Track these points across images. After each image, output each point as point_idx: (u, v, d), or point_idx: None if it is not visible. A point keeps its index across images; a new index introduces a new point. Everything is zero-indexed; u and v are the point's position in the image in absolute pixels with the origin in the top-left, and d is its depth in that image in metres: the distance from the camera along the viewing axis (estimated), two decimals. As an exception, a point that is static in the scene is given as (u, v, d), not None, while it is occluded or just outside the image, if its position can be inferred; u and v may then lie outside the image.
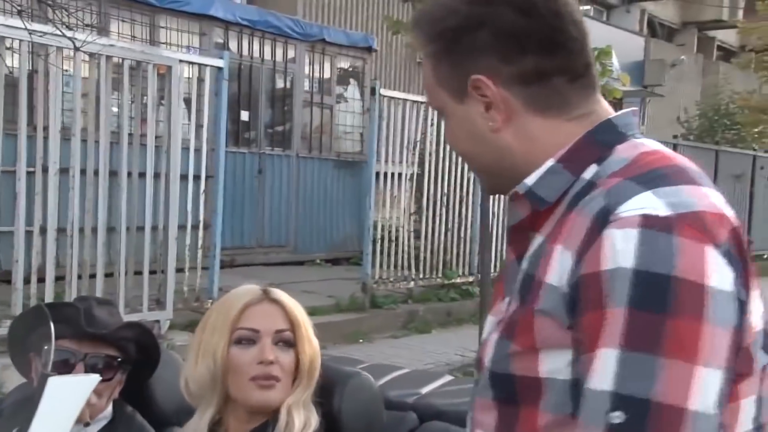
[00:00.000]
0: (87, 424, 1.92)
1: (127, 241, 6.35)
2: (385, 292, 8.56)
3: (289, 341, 1.75)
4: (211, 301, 6.76)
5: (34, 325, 1.97)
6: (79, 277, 6.09)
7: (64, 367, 1.91)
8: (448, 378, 2.86)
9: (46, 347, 1.94)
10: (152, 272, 6.54)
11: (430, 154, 8.95)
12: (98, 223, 6.13)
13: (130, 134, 6.46)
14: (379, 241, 8.52)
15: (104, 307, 2.02)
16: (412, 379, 2.80)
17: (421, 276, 8.93)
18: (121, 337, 1.97)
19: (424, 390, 2.64)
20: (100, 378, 1.20)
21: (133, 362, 2.04)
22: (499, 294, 1.22)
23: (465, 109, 1.16)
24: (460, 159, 9.39)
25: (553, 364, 1.05)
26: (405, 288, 8.79)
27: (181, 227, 6.76)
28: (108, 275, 6.24)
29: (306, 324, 1.79)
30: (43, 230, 5.91)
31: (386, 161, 8.58)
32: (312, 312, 7.26)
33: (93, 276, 6.13)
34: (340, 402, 1.79)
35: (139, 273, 6.41)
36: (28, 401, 2.10)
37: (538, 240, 1.12)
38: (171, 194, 6.52)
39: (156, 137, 6.51)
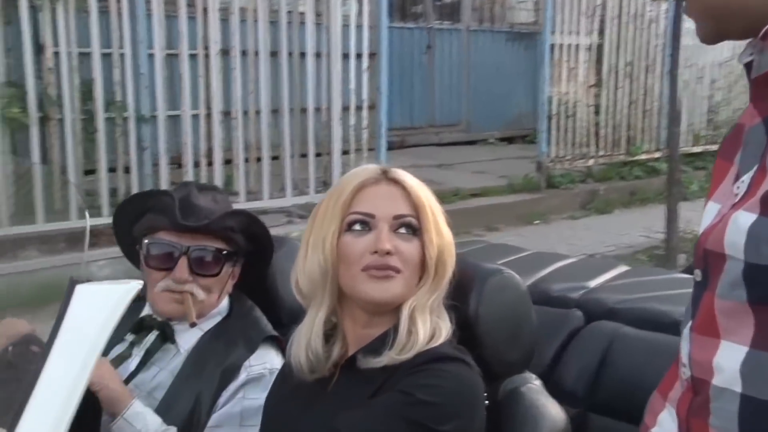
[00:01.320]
0: (193, 325, 1.72)
1: (291, 123, 6.24)
2: (561, 170, 8.10)
3: (412, 228, 1.44)
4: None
5: (134, 215, 1.78)
6: (246, 160, 6.07)
7: (168, 260, 1.72)
8: (621, 268, 2.47)
9: (146, 240, 1.75)
10: (318, 154, 6.42)
11: (612, 21, 8.23)
12: (261, 105, 6.04)
13: (288, 12, 6.24)
14: (556, 117, 8.03)
15: (207, 194, 1.78)
16: (578, 270, 2.44)
17: (601, 153, 8.41)
18: (223, 227, 1.74)
19: (593, 283, 2.28)
20: (141, 284, 0.95)
21: (244, 254, 1.81)
22: (722, 173, 1.00)
23: None
24: (646, 23, 8.61)
25: None
26: (583, 166, 8.31)
27: (346, 108, 6.57)
28: (274, 158, 6.18)
29: (434, 209, 1.47)
30: (209, 114, 5.89)
31: (563, 31, 7.97)
32: (483, 193, 6.95)
33: (259, 159, 6.09)
34: (477, 305, 1.47)
35: (304, 156, 6.31)
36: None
37: None
38: (333, 74, 6.31)
39: (316, 15, 6.27)
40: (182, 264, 1.71)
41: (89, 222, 2.35)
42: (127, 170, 5.60)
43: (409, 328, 1.40)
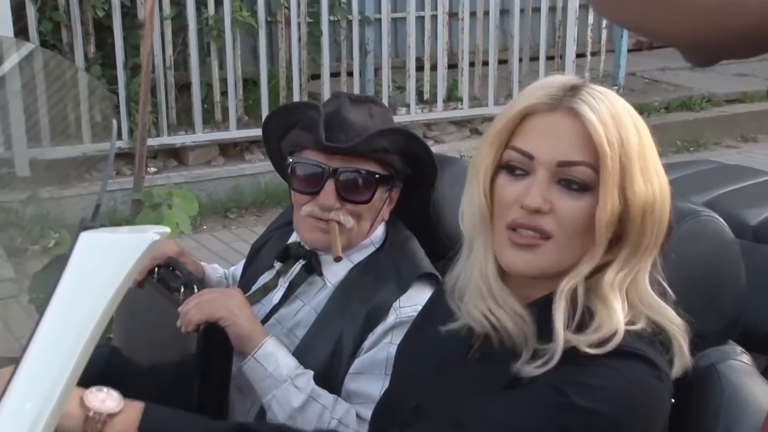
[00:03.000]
0: (338, 259, 1.51)
1: (522, 24, 5.82)
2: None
3: (579, 182, 1.07)
4: (616, 88, 6.03)
5: (280, 130, 1.59)
6: (472, 64, 5.77)
7: (314, 183, 1.52)
8: None
9: (291, 159, 1.56)
10: (549, 58, 5.97)
11: None
12: (490, 5, 5.67)
13: None
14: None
15: (362, 107, 1.54)
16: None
17: None
18: (376, 148, 1.49)
19: None
20: (158, 236, 0.74)
21: (402, 177, 1.57)
22: None
23: None
24: None
25: None
26: None
27: (583, 6, 6.01)
28: (502, 62, 5.82)
29: (628, 156, 1.06)
30: (434, 15, 5.63)
31: None
32: (744, 99, 6.16)
33: (486, 63, 5.76)
34: (662, 257, 1.12)
35: (535, 59, 5.89)
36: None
37: None
38: (570, -33, 5.79)
39: None
40: (329, 188, 1.50)
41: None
42: (350, 74, 5.52)
43: (553, 317, 1.06)
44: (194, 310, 1.43)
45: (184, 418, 1.25)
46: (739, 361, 1.18)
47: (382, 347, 1.48)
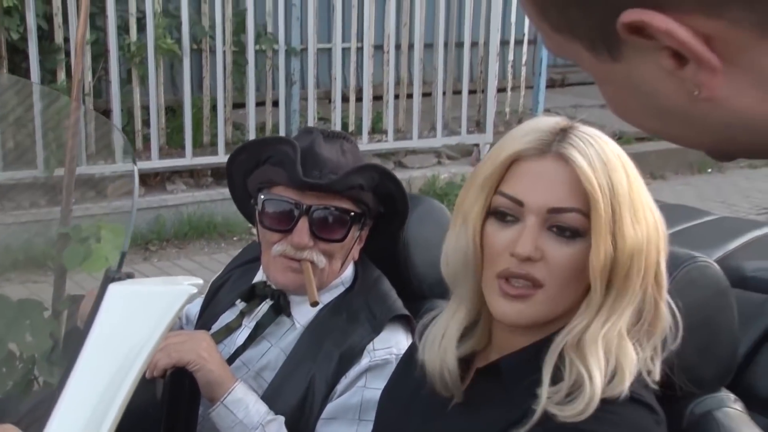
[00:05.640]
0: (315, 304, 1.46)
1: (446, 58, 5.89)
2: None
3: (571, 228, 1.06)
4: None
5: (248, 165, 1.53)
6: (396, 96, 5.80)
7: (286, 221, 1.46)
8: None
9: (262, 195, 1.50)
10: (472, 92, 6.06)
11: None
12: (415, 39, 5.72)
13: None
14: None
15: (334, 143, 1.50)
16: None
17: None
18: (352, 186, 1.46)
19: (802, 262, 1.86)
20: (195, 288, 0.69)
21: (374, 216, 1.53)
22: None
23: (627, 70, 0.56)
24: None
25: None
26: None
27: (505, 43, 6.14)
28: (426, 95, 5.87)
29: (619, 201, 1.05)
30: (360, 48, 5.65)
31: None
32: (652, 137, 6.31)
33: (410, 96, 5.80)
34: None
35: (458, 93, 5.97)
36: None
37: None
38: (492, 5, 5.89)
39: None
40: (302, 226, 1.45)
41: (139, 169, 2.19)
42: (275, 104, 5.47)
43: (571, 369, 1.04)
44: (161, 354, 1.36)
45: None
46: (734, 408, 1.19)
47: (355, 391, 1.43)
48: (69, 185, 3.75)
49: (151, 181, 5.17)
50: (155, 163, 5.03)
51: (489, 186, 1.10)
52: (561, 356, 1.05)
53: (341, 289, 1.54)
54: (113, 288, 0.67)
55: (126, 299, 0.67)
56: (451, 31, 5.93)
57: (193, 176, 5.25)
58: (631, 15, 0.52)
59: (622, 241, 1.04)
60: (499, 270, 1.07)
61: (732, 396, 1.22)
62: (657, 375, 1.06)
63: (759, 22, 0.52)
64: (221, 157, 5.03)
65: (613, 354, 1.05)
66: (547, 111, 7.10)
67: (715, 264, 1.22)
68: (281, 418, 1.40)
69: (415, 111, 5.76)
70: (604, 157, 1.06)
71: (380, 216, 1.54)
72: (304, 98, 5.55)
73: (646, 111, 0.60)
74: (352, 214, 1.48)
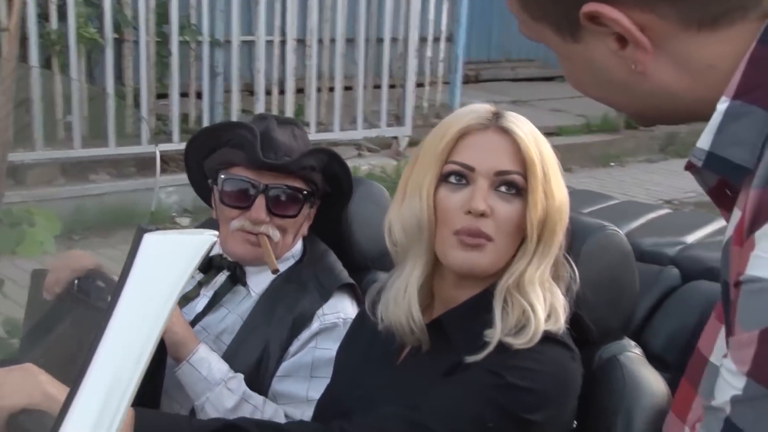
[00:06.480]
0: (276, 271, 1.62)
1: (366, 53, 6.07)
2: (643, 111, 7.76)
3: (515, 186, 1.26)
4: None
5: (207, 148, 1.67)
6: (318, 90, 5.94)
7: (244, 199, 1.61)
8: (721, 223, 2.28)
9: (222, 175, 1.65)
10: (391, 86, 6.25)
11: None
12: (337, 34, 5.87)
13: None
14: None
15: (287, 128, 1.65)
16: (674, 223, 2.26)
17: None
18: (304, 167, 1.62)
19: (690, 239, 2.11)
20: (216, 237, 0.83)
21: (321, 195, 1.70)
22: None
23: (584, 49, 0.80)
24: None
25: None
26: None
27: (423, 39, 6.36)
28: (347, 88, 6.04)
29: (547, 166, 1.27)
30: (283, 41, 5.76)
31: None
32: (559, 132, 6.69)
33: (332, 89, 5.95)
34: (575, 265, 1.32)
35: (378, 87, 6.16)
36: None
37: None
38: (411, 3, 6.10)
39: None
40: (260, 203, 1.60)
41: (159, 150, 2.29)
42: (199, 96, 5.53)
43: (502, 309, 1.24)
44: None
45: (171, 420, 1.30)
46: (634, 353, 1.40)
47: (307, 351, 1.59)
48: (1, 171, 3.77)
49: (73, 170, 5.17)
50: (79, 152, 5.04)
51: (440, 157, 1.28)
52: (505, 299, 1.25)
53: (292, 262, 1.70)
54: (148, 237, 0.80)
55: (159, 247, 0.80)
56: (372, 27, 6.10)
57: (116, 166, 5.28)
58: (589, 6, 0.74)
59: (551, 199, 1.26)
60: (457, 227, 1.25)
61: (632, 343, 1.43)
62: (567, 318, 1.27)
63: (680, 17, 0.74)
64: (145, 147, 5.08)
65: (547, 294, 1.25)
66: (463, 105, 7.35)
67: (621, 232, 1.43)
68: (241, 375, 1.55)
69: (336, 104, 5.91)
70: (534, 133, 1.29)
71: (327, 195, 1.70)
72: (227, 90, 5.63)
73: (596, 82, 0.82)
74: (305, 192, 1.64)
